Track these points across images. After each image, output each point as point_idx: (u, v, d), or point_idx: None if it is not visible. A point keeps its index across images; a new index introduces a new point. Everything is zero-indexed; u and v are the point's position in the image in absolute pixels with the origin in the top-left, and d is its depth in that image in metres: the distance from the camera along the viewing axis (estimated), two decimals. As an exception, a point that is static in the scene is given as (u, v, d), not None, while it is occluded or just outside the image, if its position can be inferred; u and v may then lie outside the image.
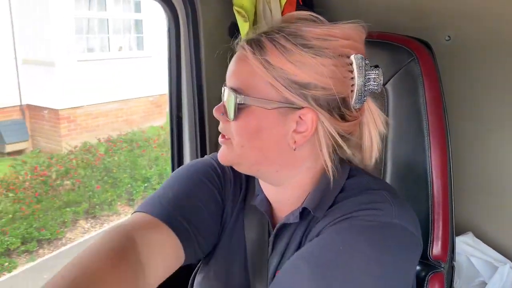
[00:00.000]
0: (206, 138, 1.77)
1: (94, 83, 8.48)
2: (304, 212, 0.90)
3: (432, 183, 1.20)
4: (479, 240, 1.69)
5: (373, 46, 1.29)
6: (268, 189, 0.98)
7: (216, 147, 1.79)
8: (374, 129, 0.91)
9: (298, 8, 1.69)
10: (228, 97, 0.87)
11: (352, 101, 0.86)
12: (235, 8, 1.65)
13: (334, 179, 0.89)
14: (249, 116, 0.85)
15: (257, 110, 0.84)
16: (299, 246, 0.90)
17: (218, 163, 1.02)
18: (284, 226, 0.94)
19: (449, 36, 1.52)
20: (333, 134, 0.85)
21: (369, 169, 0.96)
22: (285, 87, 0.82)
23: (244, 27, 1.62)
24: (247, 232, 1.00)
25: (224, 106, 0.89)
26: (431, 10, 1.54)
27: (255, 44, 0.84)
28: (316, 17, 0.90)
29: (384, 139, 1.28)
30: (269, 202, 0.99)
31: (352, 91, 0.85)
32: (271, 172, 0.92)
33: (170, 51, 1.73)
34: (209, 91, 1.74)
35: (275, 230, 0.95)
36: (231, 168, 1.00)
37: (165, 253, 0.88)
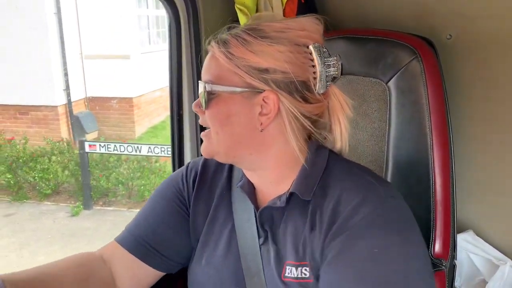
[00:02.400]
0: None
1: (148, 73, 9.90)
2: (291, 197, 0.96)
3: (434, 182, 1.20)
4: (480, 238, 1.69)
5: (376, 44, 1.30)
6: (249, 175, 1.04)
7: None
8: (341, 113, 0.97)
9: (300, 5, 1.69)
10: (201, 90, 0.95)
11: (316, 87, 0.93)
12: (237, 6, 1.64)
13: (313, 160, 0.96)
14: (219, 104, 0.94)
15: (225, 96, 0.93)
16: (302, 232, 0.93)
17: (192, 166, 1.16)
18: (271, 209, 0.98)
19: (450, 35, 1.52)
20: (296, 114, 0.92)
21: (345, 155, 1.01)
22: (246, 73, 0.91)
23: (246, 24, 1.62)
24: (236, 216, 1.05)
25: (199, 100, 0.97)
26: (433, 9, 1.53)
27: (221, 40, 0.93)
28: (273, 15, 1.02)
29: (386, 137, 1.28)
30: (253, 186, 1.05)
31: (315, 78, 0.93)
32: (245, 156, 0.98)
33: (171, 48, 1.73)
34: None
35: (259, 213, 1.00)
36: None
37: (131, 271, 1.08)
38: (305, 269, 0.91)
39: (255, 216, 1.01)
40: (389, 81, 1.25)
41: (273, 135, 0.95)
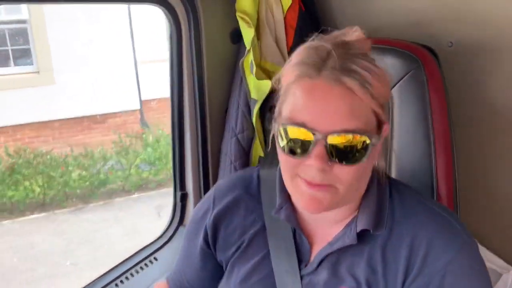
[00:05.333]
0: (208, 143, 1.76)
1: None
2: (360, 233, 0.88)
3: (438, 190, 1.19)
4: (482, 247, 1.68)
5: (378, 52, 1.29)
6: None
7: (217, 151, 1.78)
8: None
9: (301, 14, 1.69)
10: (348, 142, 0.78)
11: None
12: (238, 14, 1.64)
13: (376, 189, 0.90)
14: (373, 154, 0.82)
15: (379, 144, 0.82)
16: (369, 265, 0.88)
17: (215, 200, 1.05)
18: (338, 250, 0.90)
19: (451, 42, 1.51)
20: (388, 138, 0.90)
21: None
22: (382, 111, 0.81)
23: (248, 33, 1.62)
24: (272, 246, 0.97)
25: (327, 153, 0.78)
26: (433, 16, 1.53)
27: (355, 75, 0.77)
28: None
29: (389, 145, 1.27)
30: (296, 213, 0.96)
31: None
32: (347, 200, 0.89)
33: (172, 57, 1.73)
34: (211, 97, 1.74)
35: (326, 254, 0.92)
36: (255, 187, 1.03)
37: None
38: None
39: (296, 244, 0.95)
40: (392, 88, 1.25)
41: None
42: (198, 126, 1.73)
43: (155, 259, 1.73)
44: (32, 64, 7.65)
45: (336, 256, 0.91)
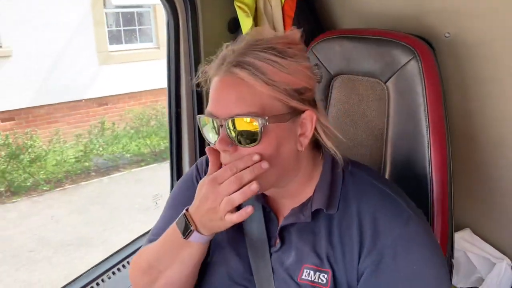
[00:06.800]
0: (205, 135, 1.76)
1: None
2: (315, 212, 0.95)
3: (432, 180, 1.20)
4: (476, 237, 1.70)
5: (374, 44, 1.30)
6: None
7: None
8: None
9: (298, 3, 1.68)
10: (242, 125, 0.86)
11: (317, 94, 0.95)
12: (236, 3, 1.64)
13: (330, 171, 0.97)
14: (270, 136, 0.88)
15: (275, 127, 0.87)
16: (328, 242, 0.94)
17: (200, 165, 1.14)
18: (294, 223, 0.98)
19: (448, 33, 1.51)
20: (327, 124, 0.93)
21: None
22: (289, 96, 0.87)
23: (246, 23, 1.62)
24: (246, 222, 1.04)
25: (229, 136, 0.88)
26: (431, 7, 1.53)
27: (247, 66, 0.86)
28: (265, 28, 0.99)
29: (385, 136, 1.28)
30: (264, 194, 1.03)
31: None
32: (282, 180, 0.96)
33: (169, 46, 1.72)
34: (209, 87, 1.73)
35: (280, 227, 0.99)
36: None
37: None
38: (323, 276, 0.93)
39: (264, 218, 1.02)
40: (387, 80, 1.25)
41: (306, 153, 0.95)
42: (195, 115, 1.72)
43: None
44: (152, 41, 9.25)
45: (296, 233, 0.98)
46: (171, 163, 1.82)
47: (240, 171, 0.88)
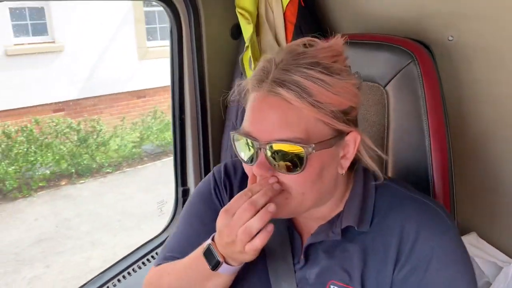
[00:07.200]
0: (209, 139, 1.78)
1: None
2: (345, 229, 0.91)
3: (434, 184, 1.20)
4: (483, 241, 1.68)
5: (373, 48, 1.30)
6: None
7: (218, 146, 1.79)
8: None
9: (300, 9, 1.69)
10: (285, 151, 0.80)
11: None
12: (237, 10, 1.65)
13: (362, 187, 0.93)
14: (314, 163, 0.81)
15: (320, 153, 0.81)
16: (362, 259, 0.90)
17: (217, 180, 1.06)
18: (323, 242, 0.94)
19: (452, 36, 1.51)
20: (370, 145, 0.89)
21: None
22: (334, 119, 0.81)
23: (247, 29, 1.62)
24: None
25: (269, 161, 0.82)
26: (434, 10, 1.52)
27: (293, 86, 0.79)
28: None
29: (385, 141, 1.27)
30: None
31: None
32: (316, 204, 0.91)
33: (173, 53, 1.74)
34: (212, 92, 1.75)
35: (307, 245, 0.95)
36: (241, 171, 1.03)
37: None
38: None
39: (290, 239, 0.98)
40: (387, 85, 1.25)
41: (345, 175, 0.91)
42: (199, 122, 1.74)
43: (158, 254, 1.74)
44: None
45: (324, 250, 0.94)
46: (175, 170, 1.84)
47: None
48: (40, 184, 6.83)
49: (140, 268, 1.69)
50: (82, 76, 8.12)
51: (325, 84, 0.79)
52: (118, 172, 7.52)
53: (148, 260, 1.72)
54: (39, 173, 6.94)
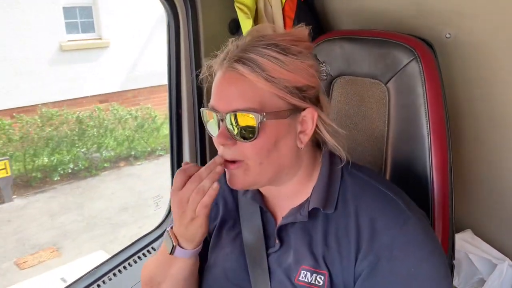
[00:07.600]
0: (206, 134, 1.76)
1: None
2: (313, 210, 0.95)
3: (433, 182, 1.20)
4: (478, 238, 1.69)
5: (375, 45, 1.29)
6: (265, 188, 1.03)
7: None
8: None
9: (299, 4, 1.68)
10: (241, 120, 0.88)
11: (321, 91, 0.97)
12: (236, 5, 1.64)
13: (329, 170, 0.98)
14: (268, 132, 0.89)
15: (274, 123, 0.89)
16: (324, 242, 0.95)
17: None
18: (292, 223, 0.99)
19: (449, 33, 1.51)
20: (329, 122, 0.94)
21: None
22: (289, 94, 0.88)
23: (246, 24, 1.61)
24: (243, 223, 1.06)
25: (228, 130, 0.90)
26: (432, 8, 1.52)
27: (248, 62, 0.87)
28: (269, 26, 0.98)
29: (385, 138, 1.27)
30: (262, 195, 1.05)
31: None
32: (282, 177, 0.97)
33: (170, 47, 1.72)
34: (209, 87, 1.73)
35: (278, 227, 1.00)
36: None
37: None
38: (320, 277, 0.93)
39: (262, 222, 1.04)
40: (388, 82, 1.25)
41: (306, 150, 0.97)
42: (195, 117, 1.73)
43: (153, 249, 1.74)
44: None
45: (294, 233, 0.99)
46: (171, 164, 1.83)
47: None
48: (105, 165, 7.90)
49: (135, 262, 1.69)
50: (124, 70, 8.96)
51: (279, 61, 0.87)
52: (168, 154, 7.78)
53: (144, 254, 1.72)
54: (104, 156, 8.00)
